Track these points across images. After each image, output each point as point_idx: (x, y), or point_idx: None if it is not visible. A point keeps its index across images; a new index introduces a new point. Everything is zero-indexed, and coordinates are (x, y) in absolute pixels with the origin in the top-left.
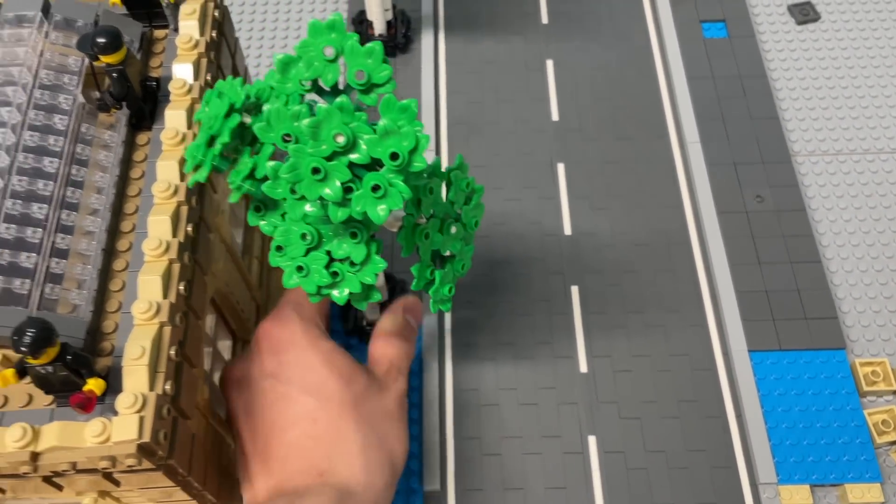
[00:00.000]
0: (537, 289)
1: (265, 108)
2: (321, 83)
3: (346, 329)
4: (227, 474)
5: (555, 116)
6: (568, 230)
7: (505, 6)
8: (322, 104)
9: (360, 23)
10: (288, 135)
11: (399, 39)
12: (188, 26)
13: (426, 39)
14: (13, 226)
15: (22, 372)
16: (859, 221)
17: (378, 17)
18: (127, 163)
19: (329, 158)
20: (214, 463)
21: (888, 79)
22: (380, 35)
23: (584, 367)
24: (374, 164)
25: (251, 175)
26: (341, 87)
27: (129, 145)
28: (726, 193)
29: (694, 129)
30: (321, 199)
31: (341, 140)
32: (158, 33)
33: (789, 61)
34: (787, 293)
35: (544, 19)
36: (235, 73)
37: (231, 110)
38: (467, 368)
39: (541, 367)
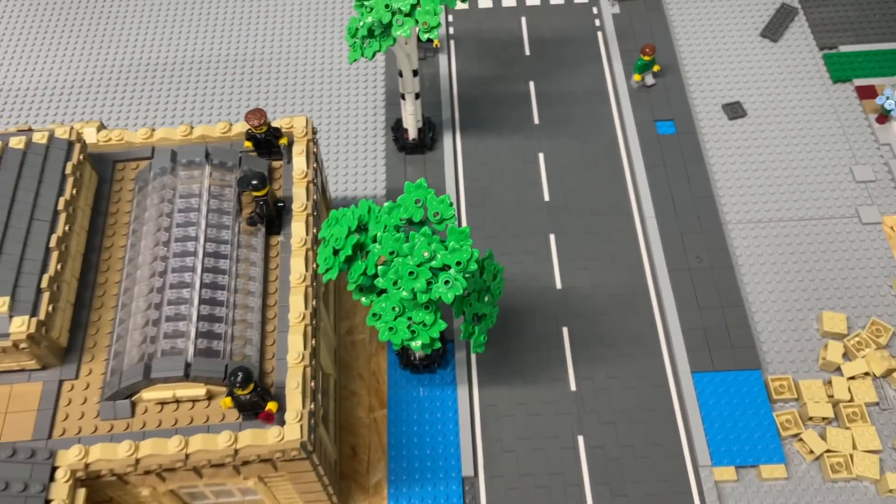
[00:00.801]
0: (538, 330)
1: (378, 234)
2: (412, 219)
3: (402, 364)
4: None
5: (546, 197)
6: (559, 285)
7: (505, 111)
8: (412, 231)
9: (397, 129)
10: (393, 251)
11: (427, 140)
12: (299, 161)
13: (447, 139)
14: (206, 306)
15: (227, 398)
16: (773, 274)
17: (412, 125)
18: (266, 259)
19: (418, 266)
20: (326, 459)
21: (798, 161)
22: (413, 138)
23: (573, 387)
24: (445, 267)
25: (364, 273)
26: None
27: (266, 247)
28: (675, 256)
29: (651, 207)
30: (413, 290)
31: (426, 255)
32: (276, 164)
33: (723, 149)
34: (719, 329)
35: (536, 120)
36: (323, 187)
37: (349, 232)
38: (490, 390)
39: (542, 388)
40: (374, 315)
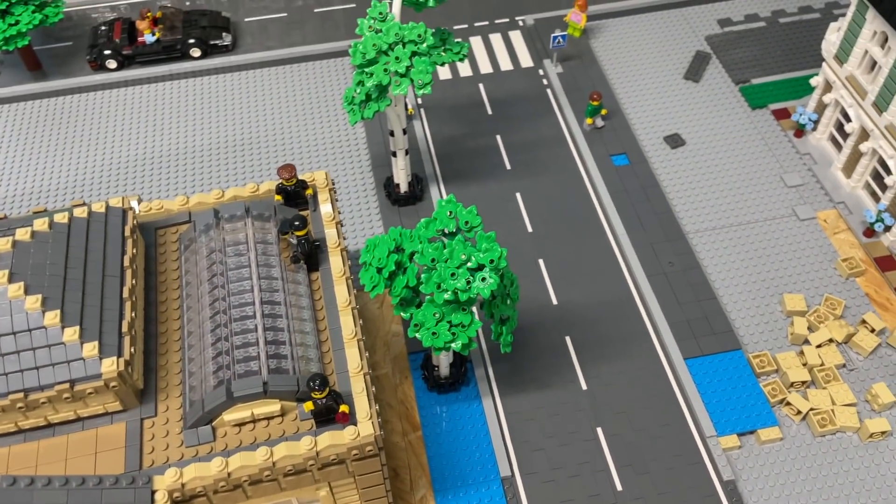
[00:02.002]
0: (544, 341)
1: (416, 249)
2: (447, 230)
3: (429, 386)
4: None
5: (530, 229)
6: (555, 301)
7: (480, 161)
8: (445, 240)
9: (388, 185)
10: (434, 258)
11: (417, 192)
12: (326, 206)
13: (433, 190)
14: (269, 332)
15: (308, 402)
16: (735, 269)
17: (403, 179)
18: (311, 291)
19: (458, 267)
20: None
21: (736, 176)
22: (404, 191)
23: (584, 386)
24: (480, 267)
25: (406, 285)
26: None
27: (309, 281)
28: (650, 263)
29: (621, 225)
30: (455, 289)
31: (464, 258)
32: (303, 212)
33: (671, 173)
34: (700, 320)
35: (508, 167)
36: (339, 223)
37: (389, 252)
38: (511, 398)
39: (557, 390)
40: (416, 325)
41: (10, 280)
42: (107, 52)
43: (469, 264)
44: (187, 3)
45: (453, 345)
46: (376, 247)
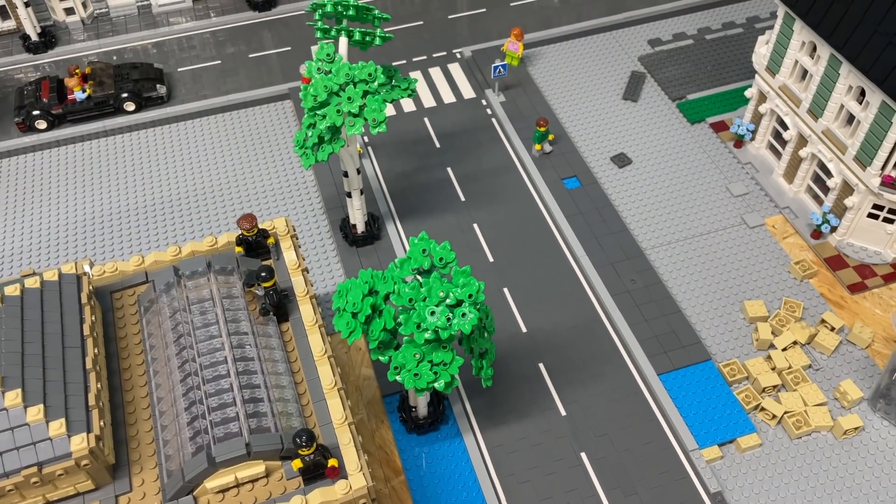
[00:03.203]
0: (519, 370)
1: (392, 290)
2: (422, 268)
3: (408, 428)
4: None
5: (491, 259)
6: (524, 329)
7: (433, 195)
8: (419, 279)
9: (345, 227)
10: (411, 298)
11: (374, 231)
12: (290, 254)
13: (390, 228)
14: (246, 390)
15: (296, 460)
16: (695, 281)
17: (360, 219)
18: (283, 342)
19: (437, 305)
20: None
21: (683, 190)
22: (362, 231)
23: (563, 412)
24: (458, 303)
25: (384, 328)
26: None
27: (280, 332)
28: (612, 282)
29: (580, 247)
30: (436, 328)
31: (442, 294)
32: (265, 262)
33: (622, 192)
34: (668, 334)
35: (462, 198)
36: (305, 270)
37: (364, 296)
38: (492, 432)
39: (537, 419)
40: (396, 368)
41: None
42: (35, 112)
43: (448, 301)
44: (114, 58)
45: (436, 384)
46: (349, 291)
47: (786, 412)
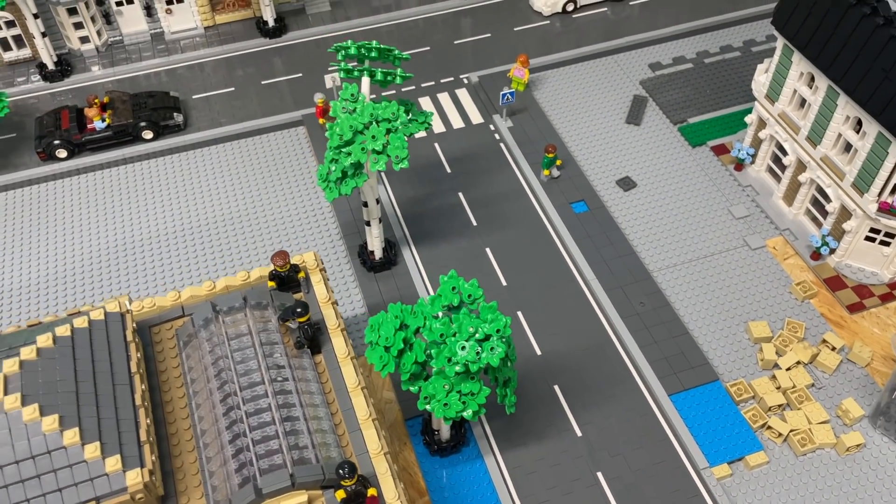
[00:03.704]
0: (535, 392)
1: (423, 324)
2: (452, 304)
3: (432, 451)
4: None
5: (504, 283)
6: (539, 351)
7: (446, 220)
8: (451, 315)
9: (363, 253)
10: (442, 334)
11: (391, 257)
12: (320, 288)
13: (406, 253)
14: (287, 423)
15: (339, 491)
16: (700, 303)
17: (378, 247)
18: (318, 374)
19: (467, 340)
20: None
21: (687, 212)
22: (380, 258)
23: (579, 433)
24: (486, 337)
25: (415, 361)
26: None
27: (314, 364)
28: (622, 305)
29: (590, 271)
30: (466, 361)
31: (472, 330)
32: (297, 295)
33: (628, 216)
34: (677, 356)
35: (474, 223)
36: (335, 303)
37: (395, 331)
38: (511, 453)
39: (554, 440)
40: (426, 398)
41: (24, 402)
42: (56, 141)
43: (477, 335)
44: (128, 87)
45: (465, 413)
46: (381, 325)
47: (791, 430)
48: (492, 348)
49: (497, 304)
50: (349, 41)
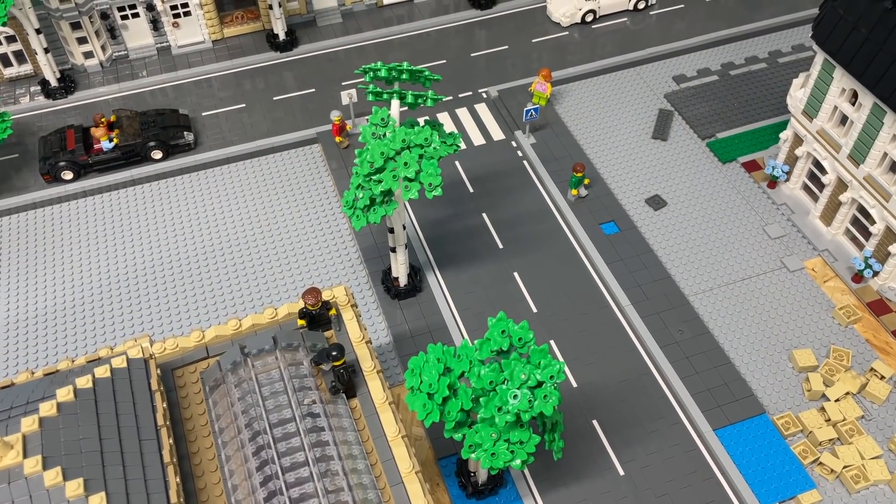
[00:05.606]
0: (573, 428)
1: (470, 370)
2: (501, 348)
3: (468, 494)
4: None
5: (535, 309)
6: (574, 384)
7: (471, 242)
8: (498, 361)
9: (386, 280)
10: (492, 381)
11: (417, 283)
12: (352, 326)
13: (431, 278)
14: (327, 479)
15: None
16: (741, 330)
17: (403, 273)
18: (354, 420)
19: (518, 388)
20: None
21: (721, 232)
22: (405, 284)
23: (621, 471)
24: (539, 384)
25: (461, 409)
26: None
27: (349, 410)
28: (660, 333)
29: (624, 296)
30: (518, 411)
31: (524, 377)
32: (328, 333)
33: (660, 236)
34: (720, 387)
35: (500, 245)
36: (369, 341)
37: (439, 376)
38: (551, 495)
39: (595, 479)
40: (471, 447)
41: (46, 465)
42: (62, 163)
43: (529, 382)
44: (134, 103)
45: (513, 464)
46: (423, 370)
47: (844, 467)
48: (545, 396)
49: (548, 348)
50: (379, 62)
